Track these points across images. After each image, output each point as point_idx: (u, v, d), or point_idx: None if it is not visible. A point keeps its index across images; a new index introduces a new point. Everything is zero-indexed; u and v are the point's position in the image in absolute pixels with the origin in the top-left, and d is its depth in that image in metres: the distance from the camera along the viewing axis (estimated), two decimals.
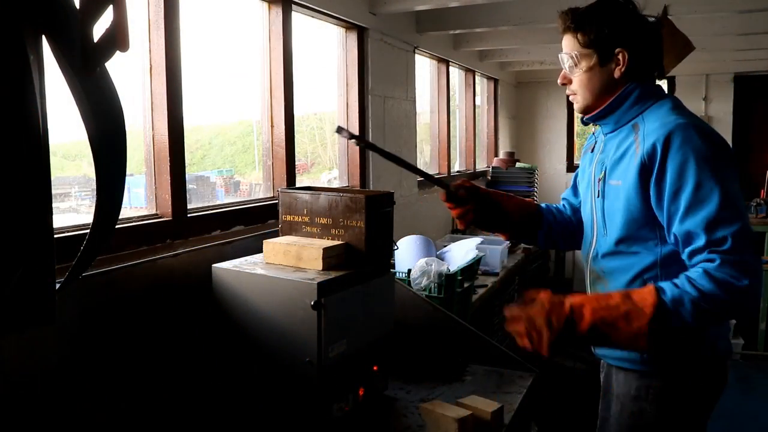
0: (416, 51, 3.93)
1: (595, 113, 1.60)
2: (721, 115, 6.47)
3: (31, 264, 1.04)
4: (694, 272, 1.36)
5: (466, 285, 2.91)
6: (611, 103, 1.56)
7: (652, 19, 1.57)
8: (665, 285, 1.38)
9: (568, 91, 1.64)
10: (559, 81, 1.64)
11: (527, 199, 1.87)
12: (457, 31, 3.95)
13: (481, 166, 5.68)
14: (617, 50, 1.52)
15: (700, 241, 1.37)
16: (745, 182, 6.12)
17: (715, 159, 1.38)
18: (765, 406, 4.31)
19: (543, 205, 1.95)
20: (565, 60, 1.60)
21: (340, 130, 1.67)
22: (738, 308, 1.35)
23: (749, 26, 4.10)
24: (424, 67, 4.45)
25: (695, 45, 3.40)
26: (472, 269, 3.12)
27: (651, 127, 1.47)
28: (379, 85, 3.41)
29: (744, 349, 5.31)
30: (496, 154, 5.97)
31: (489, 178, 5.61)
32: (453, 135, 4.91)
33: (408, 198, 3.84)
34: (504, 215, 1.81)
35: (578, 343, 1.42)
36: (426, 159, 4.71)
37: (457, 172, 5.10)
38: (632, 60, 1.53)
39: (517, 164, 5.67)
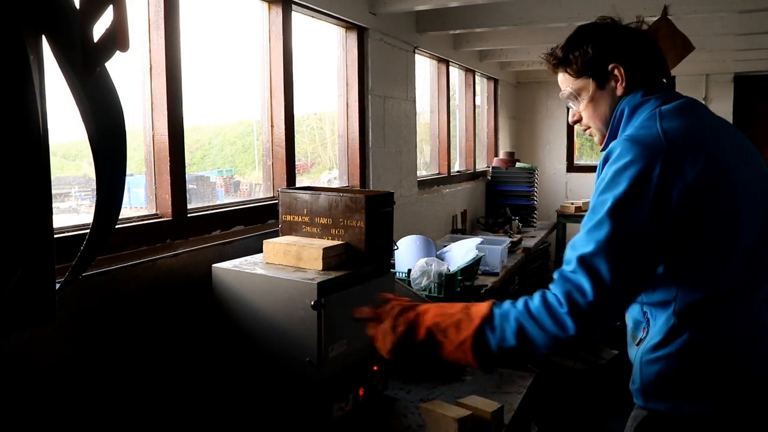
0: (416, 51, 3.93)
1: (605, 142, 1.46)
2: (721, 115, 6.40)
3: (31, 264, 1.04)
4: (539, 291, 1.27)
5: (466, 285, 2.91)
6: (610, 131, 1.44)
7: (634, 25, 1.49)
8: (506, 302, 1.30)
9: (582, 128, 1.53)
10: (570, 121, 1.55)
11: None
12: (457, 31, 3.95)
13: (481, 166, 5.68)
14: (611, 66, 1.42)
15: (565, 256, 1.27)
16: None
17: (622, 182, 1.21)
18: None
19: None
20: (566, 98, 1.51)
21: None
22: (555, 340, 1.21)
23: (749, 26, 4.10)
24: (424, 67, 4.45)
25: (695, 45, 3.41)
26: (472, 269, 3.12)
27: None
28: (379, 85, 3.41)
29: None
30: (496, 154, 5.96)
31: (489, 178, 5.62)
32: (453, 135, 4.91)
33: (408, 198, 3.84)
34: None
35: (418, 350, 1.34)
36: (426, 159, 4.72)
37: (457, 171, 5.10)
38: (630, 70, 1.41)
39: (517, 164, 5.67)
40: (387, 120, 3.53)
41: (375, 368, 1.88)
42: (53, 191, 1.14)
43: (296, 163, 2.73)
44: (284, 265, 1.77)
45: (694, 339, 1.27)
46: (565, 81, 1.50)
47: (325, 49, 3.26)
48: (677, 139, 1.24)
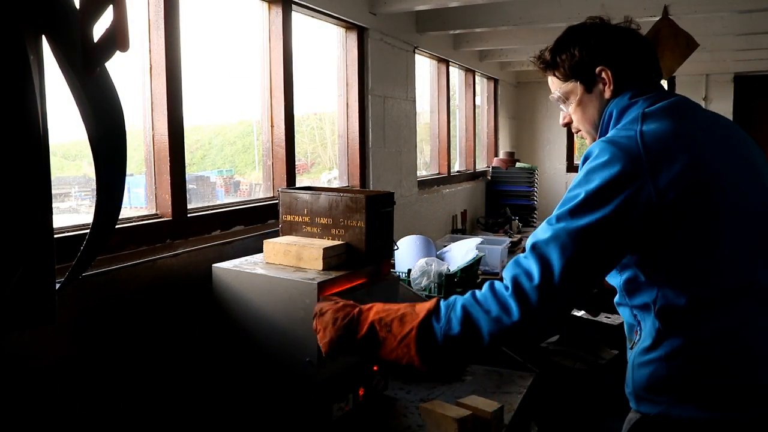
0: (416, 51, 3.93)
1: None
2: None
3: (31, 264, 1.04)
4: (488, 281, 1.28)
5: (466, 285, 2.91)
6: (600, 134, 1.42)
7: (623, 24, 1.45)
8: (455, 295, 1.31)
9: (573, 130, 1.52)
10: (561, 123, 1.53)
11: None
12: (457, 31, 3.95)
13: (481, 166, 5.68)
14: (598, 69, 1.39)
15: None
16: None
17: (594, 182, 1.20)
18: None
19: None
20: (555, 101, 1.49)
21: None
22: (499, 324, 1.21)
23: (749, 26, 4.10)
24: (424, 67, 4.45)
25: (697, 44, 3.41)
26: (472, 269, 3.12)
27: None
28: (379, 85, 3.41)
29: None
30: (496, 154, 5.96)
31: (489, 178, 5.62)
32: (453, 135, 4.91)
33: (408, 198, 3.84)
34: None
35: (359, 347, 1.34)
36: (426, 159, 4.72)
37: (457, 171, 5.10)
38: (618, 74, 1.38)
39: (517, 164, 5.67)
40: (387, 120, 3.53)
41: (375, 368, 1.88)
42: (53, 191, 1.14)
43: (296, 163, 2.73)
44: (284, 265, 1.77)
45: (682, 343, 1.25)
46: (554, 84, 1.49)
47: (325, 49, 3.27)
48: (654, 143, 1.22)
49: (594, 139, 1.44)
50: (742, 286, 1.25)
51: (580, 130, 1.49)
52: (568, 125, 1.51)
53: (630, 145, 1.22)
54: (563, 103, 1.47)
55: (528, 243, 1.26)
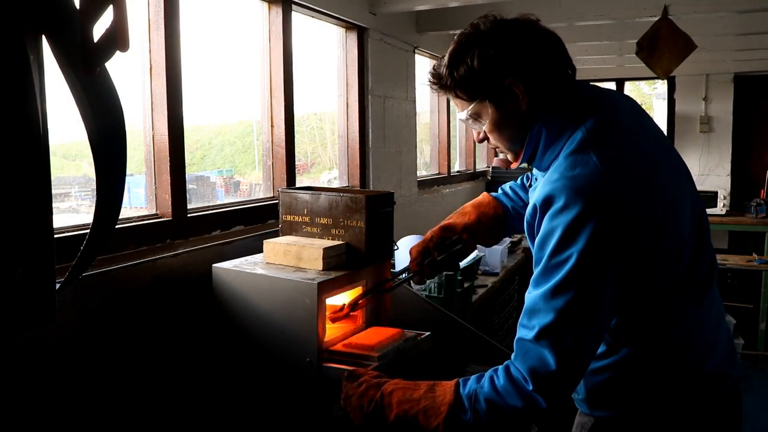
0: (416, 51, 3.93)
1: (520, 161, 1.33)
2: (721, 115, 6.47)
3: (31, 264, 1.04)
4: (504, 365, 1.21)
5: (466, 285, 2.91)
6: (525, 152, 1.28)
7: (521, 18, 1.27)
8: (471, 379, 1.24)
9: (490, 146, 1.38)
10: (476, 140, 1.36)
11: (482, 198, 1.66)
12: (457, 31, 3.94)
13: (480, 166, 5.68)
14: (506, 82, 1.21)
15: (522, 320, 1.19)
16: (745, 182, 6.09)
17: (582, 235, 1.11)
18: (765, 406, 4.31)
19: (498, 196, 1.75)
20: (465, 121, 1.32)
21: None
22: (530, 415, 1.17)
23: (749, 26, 4.10)
24: (424, 67, 4.45)
25: (695, 45, 3.41)
26: (472, 269, 3.11)
27: (545, 179, 1.21)
28: (379, 85, 3.41)
29: (744, 349, 5.31)
30: (496, 154, 5.96)
31: (489, 178, 5.62)
32: (453, 135, 4.91)
33: (408, 198, 3.84)
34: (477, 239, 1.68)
35: (391, 428, 1.30)
36: (426, 159, 4.71)
37: (457, 171, 5.10)
38: (530, 82, 1.21)
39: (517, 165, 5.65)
40: (387, 120, 3.53)
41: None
42: (53, 191, 1.14)
43: (296, 163, 2.73)
44: (284, 265, 1.77)
45: (633, 352, 1.26)
46: (459, 104, 1.31)
47: (325, 49, 3.27)
48: (619, 175, 1.13)
49: (517, 154, 1.31)
50: (696, 294, 1.26)
51: (499, 148, 1.35)
52: (483, 141, 1.35)
53: (599, 184, 1.12)
54: (476, 122, 1.30)
55: (531, 323, 1.16)
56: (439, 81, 1.31)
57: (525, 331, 1.17)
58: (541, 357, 1.13)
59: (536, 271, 1.17)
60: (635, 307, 1.24)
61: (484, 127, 1.30)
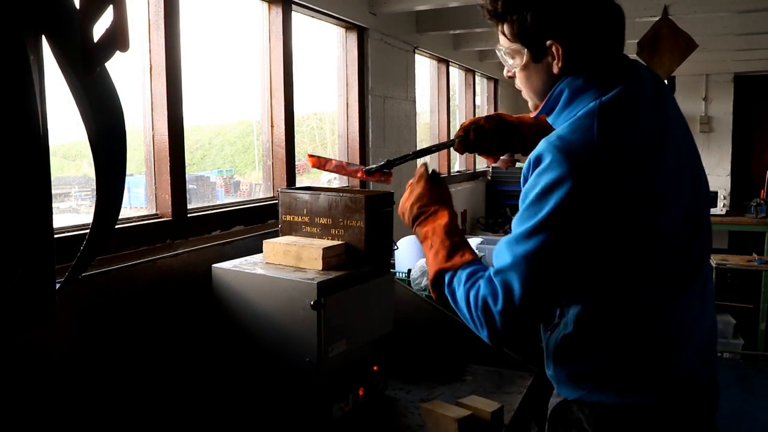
0: (416, 51, 3.93)
1: (537, 114, 1.39)
2: (721, 115, 6.47)
3: (31, 264, 1.04)
4: (487, 275, 1.26)
5: None
6: (544, 106, 1.33)
7: None
8: (467, 271, 1.30)
9: (516, 85, 1.43)
10: (505, 75, 1.42)
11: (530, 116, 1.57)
12: (457, 31, 3.95)
13: (481, 166, 5.68)
14: (548, 42, 1.25)
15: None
16: (745, 182, 6.09)
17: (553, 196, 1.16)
18: (765, 406, 4.31)
19: None
20: (500, 55, 1.37)
21: (370, 171, 1.70)
22: (476, 329, 1.25)
23: (749, 26, 4.10)
24: (424, 67, 4.45)
25: (696, 45, 3.41)
26: None
27: (546, 137, 1.25)
28: (379, 85, 3.41)
29: (744, 349, 5.32)
30: None
31: (489, 178, 5.62)
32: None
33: None
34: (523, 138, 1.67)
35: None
36: (426, 159, 4.71)
37: (457, 171, 5.11)
38: (569, 52, 1.25)
39: (517, 164, 5.65)
40: (387, 120, 3.53)
41: (375, 368, 1.88)
42: (53, 191, 1.14)
43: (296, 163, 2.73)
44: (284, 265, 1.77)
45: (603, 333, 1.27)
46: (500, 37, 1.35)
47: (325, 49, 3.27)
48: (611, 151, 1.17)
49: (535, 106, 1.38)
50: (677, 284, 1.27)
51: (522, 90, 1.41)
52: (512, 78, 1.40)
53: (587, 153, 1.16)
54: (509, 60, 1.36)
55: (496, 259, 1.23)
56: (492, 10, 1.34)
57: (495, 260, 1.25)
58: (494, 292, 1.20)
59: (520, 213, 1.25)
60: (604, 291, 1.25)
61: (515, 69, 1.36)
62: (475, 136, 1.56)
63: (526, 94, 1.40)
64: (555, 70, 1.28)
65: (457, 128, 1.68)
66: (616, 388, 1.28)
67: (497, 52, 1.38)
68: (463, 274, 1.30)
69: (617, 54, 1.30)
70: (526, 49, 1.29)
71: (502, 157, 1.72)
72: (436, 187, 1.47)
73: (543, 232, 1.16)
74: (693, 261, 1.29)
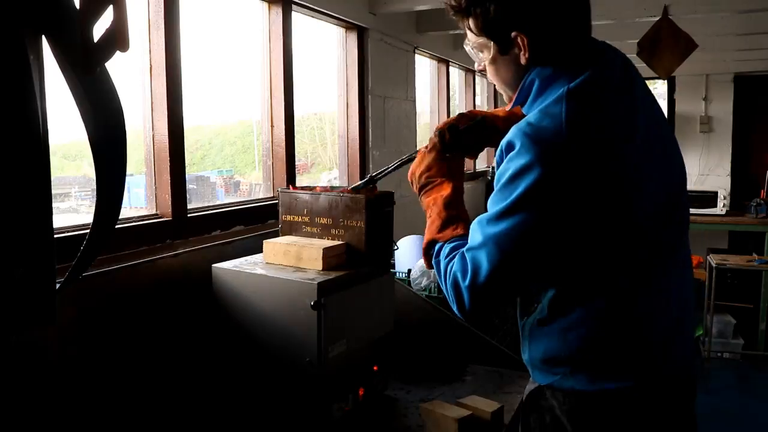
0: (416, 51, 3.93)
1: (512, 106, 1.38)
2: (721, 115, 6.47)
3: (31, 264, 1.04)
4: (461, 252, 1.30)
5: None
6: (518, 97, 1.33)
7: None
8: (450, 246, 1.35)
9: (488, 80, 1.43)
10: (476, 69, 1.41)
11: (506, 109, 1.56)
12: (457, 31, 3.95)
13: (481, 166, 5.68)
14: (513, 34, 1.25)
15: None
16: (745, 182, 6.08)
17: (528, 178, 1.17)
18: (765, 406, 4.31)
19: None
20: (468, 50, 1.38)
21: (356, 189, 1.77)
22: (449, 298, 1.31)
23: (749, 26, 4.10)
24: (424, 67, 4.45)
25: (696, 44, 3.41)
26: None
27: (516, 125, 1.25)
28: (379, 86, 3.41)
29: (744, 349, 5.32)
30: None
31: (489, 178, 5.62)
32: None
33: (408, 198, 3.83)
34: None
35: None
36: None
37: None
38: (534, 42, 1.25)
39: None
40: (387, 120, 3.53)
41: (375, 368, 1.88)
42: (53, 191, 1.14)
43: (296, 163, 2.73)
44: (284, 265, 1.77)
45: (578, 317, 1.27)
46: (467, 32, 1.35)
47: (325, 49, 3.27)
48: (579, 137, 1.17)
49: (510, 98, 1.37)
50: (639, 263, 1.26)
51: (495, 84, 1.41)
52: (483, 72, 1.40)
53: (556, 139, 1.17)
54: (477, 54, 1.36)
55: (469, 237, 1.28)
56: (456, 5, 1.33)
57: (469, 238, 1.29)
58: (464, 269, 1.25)
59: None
60: (578, 275, 1.26)
61: (484, 63, 1.36)
62: (450, 137, 1.54)
63: (498, 87, 1.40)
64: (523, 61, 1.28)
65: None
66: (589, 374, 1.28)
67: (465, 47, 1.39)
68: (447, 247, 1.34)
69: (585, 39, 1.30)
70: (492, 42, 1.30)
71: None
72: (447, 159, 1.48)
73: (511, 216, 1.19)
74: (669, 244, 1.29)
